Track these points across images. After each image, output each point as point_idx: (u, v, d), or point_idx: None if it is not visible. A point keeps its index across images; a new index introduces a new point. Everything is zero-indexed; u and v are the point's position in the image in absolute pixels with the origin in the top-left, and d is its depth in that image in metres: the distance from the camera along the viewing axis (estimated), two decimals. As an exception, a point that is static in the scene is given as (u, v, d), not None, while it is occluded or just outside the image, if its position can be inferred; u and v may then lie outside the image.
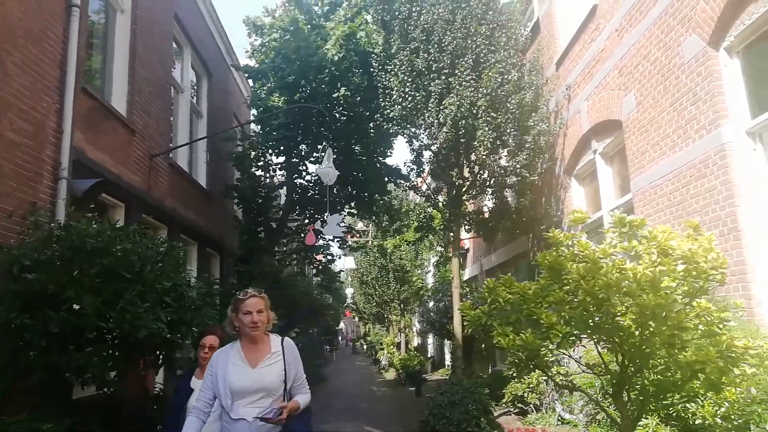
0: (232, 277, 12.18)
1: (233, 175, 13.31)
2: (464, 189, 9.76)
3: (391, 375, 21.19)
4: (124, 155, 7.58)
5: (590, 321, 2.98)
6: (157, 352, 4.96)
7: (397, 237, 19.43)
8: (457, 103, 8.30)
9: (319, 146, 12.02)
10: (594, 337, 3.10)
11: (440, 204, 10.43)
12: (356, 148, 11.44)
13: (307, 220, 13.53)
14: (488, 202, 11.91)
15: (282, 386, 3.05)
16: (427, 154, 9.92)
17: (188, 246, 10.72)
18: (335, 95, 10.19)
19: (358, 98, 10.41)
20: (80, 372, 4.32)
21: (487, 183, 9.82)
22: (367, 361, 33.34)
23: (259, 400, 2.97)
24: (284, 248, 13.28)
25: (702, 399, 2.92)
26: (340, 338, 54.11)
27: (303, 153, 12.52)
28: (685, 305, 2.85)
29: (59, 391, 4.84)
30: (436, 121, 8.65)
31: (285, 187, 12.62)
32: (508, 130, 8.45)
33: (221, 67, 13.10)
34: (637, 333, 2.86)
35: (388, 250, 21.74)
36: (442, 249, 19.76)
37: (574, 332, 2.98)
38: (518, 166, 8.46)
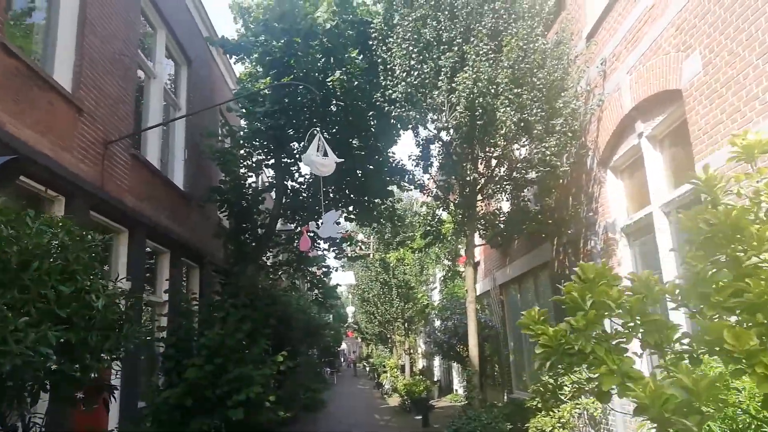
0: (215, 291, 10.68)
1: (217, 178, 11.89)
2: (480, 186, 8.29)
3: (395, 401, 19.50)
4: (64, 137, 6.16)
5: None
6: (42, 389, 3.40)
7: (401, 249, 17.91)
8: (474, 77, 6.88)
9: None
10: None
11: (451, 205, 8.95)
12: (354, 142, 9.99)
13: (297, 228, 12.06)
14: (503, 204, 10.42)
15: None
16: (435, 146, 8.49)
17: (159, 255, 9.28)
18: (329, 80, 8.78)
19: (356, 83, 8.99)
20: None
21: (506, 178, 8.36)
22: (370, 384, 31.55)
23: None
24: (273, 258, 11.84)
25: None
26: (341, 360, 52.24)
27: (294, 151, 11.10)
28: None
29: None
30: (447, 102, 7.22)
31: (274, 190, 11.16)
32: (534, 110, 7.01)
33: (203, 55, 11.77)
34: None
35: (391, 264, 20.18)
36: (450, 263, 18.23)
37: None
38: (548, 152, 6.99)
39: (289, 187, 11.33)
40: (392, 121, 8.84)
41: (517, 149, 7.34)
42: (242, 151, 11.13)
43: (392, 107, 7.64)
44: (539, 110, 7.08)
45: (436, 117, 7.47)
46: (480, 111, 7.06)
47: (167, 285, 9.04)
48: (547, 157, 7.00)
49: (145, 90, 9.29)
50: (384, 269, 20.54)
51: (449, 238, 11.86)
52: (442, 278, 18.42)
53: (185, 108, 10.83)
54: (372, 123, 9.51)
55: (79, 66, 6.59)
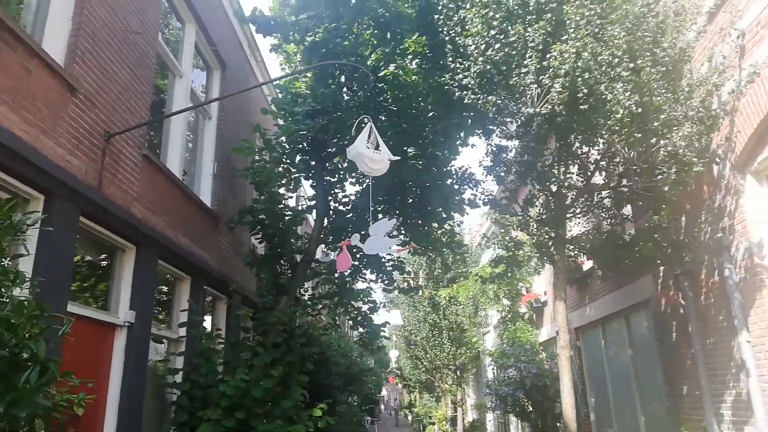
0: (242, 327, 9.09)
1: (251, 197, 10.48)
2: (575, 195, 6.51)
3: (444, 459, 17.22)
4: (46, 117, 4.78)
5: None
6: None
7: (455, 286, 16.00)
8: (576, 47, 5.21)
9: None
10: None
11: (532, 222, 7.16)
12: (409, 150, 8.39)
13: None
14: (586, 222, 8.47)
15: None
16: (514, 145, 6.79)
17: (177, 282, 7.79)
18: (382, 74, 7.28)
19: (413, 79, 7.44)
20: None
21: (608, 186, 6.54)
22: (414, 436, 29.07)
23: None
24: (312, 291, 10.25)
25: None
26: (382, 407, 49.63)
27: (338, 165, 9.59)
28: None
29: None
30: (537, 83, 5.55)
31: (314, 211, 9.62)
32: (659, 90, 5.26)
33: (239, 59, 10.56)
34: None
35: (442, 304, 18.22)
36: (509, 303, 16.19)
37: None
38: (681, 144, 5.18)
39: (332, 208, 9.78)
40: (455, 120, 7.22)
41: (632, 142, 5.55)
42: (280, 168, 9.68)
43: (464, 93, 6.00)
44: (663, 90, 5.33)
45: (518, 105, 5.78)
46: (583, 93, 5.35)
47: (185, 317, 7.50)
48: (680, 151, 5.18)
49: (169, 89, 8.02)
50: (433, 309, 18.58)
51: (530, 267, 9.92)
52: (501, 320, 16.33)
53: (216, 117, 9.54)
54: (432, 126, 7.90)
55: (75, 36, 5.27)
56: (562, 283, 6.84)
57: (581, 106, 5.38)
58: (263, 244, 9.65)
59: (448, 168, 8.95)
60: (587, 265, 10.97)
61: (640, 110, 5.31)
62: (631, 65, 5.30)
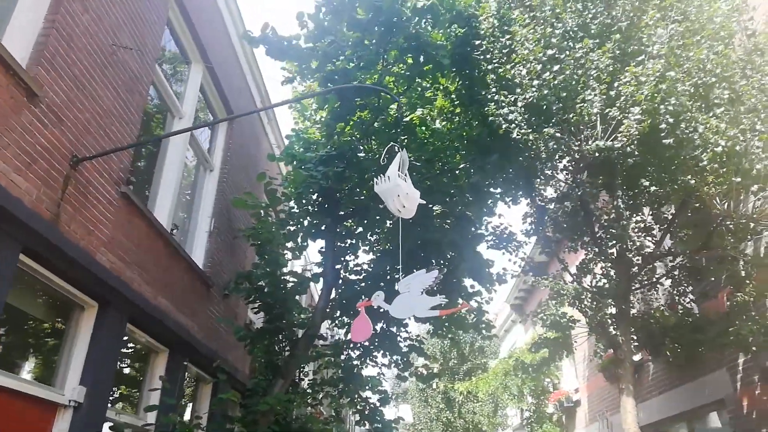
0: (225, 416, 7.55)
1: (250, 261, 9.29)
2: (642, 262, 5.25)
3: None
4: (-12, 121, 3.74)
5: None
6: None
7: (473, 379, 14.25)
8: (659, 66, 4.20)
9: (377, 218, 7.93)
10: None
11: (586, 295, 5.85)
12: (435, 207, 7.23)
13: (347, 335, 9.03)
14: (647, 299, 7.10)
15: None
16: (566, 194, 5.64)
17: (151, 354, 6.46)
18: (406, 119, 6.32)
19: (444, 124, 6.46)
20: None
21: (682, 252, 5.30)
22: None
23: None
24: (314, 375, 8.77)
25: None
26: None
27: (353, 228, 8.46)
28: None
29: None
30: (601, 115, 4.51)
31: (321, 280, 8.36)
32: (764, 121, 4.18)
33: (248, 107, 9.76)
34: None
35: (457, 400, 16.31)
36: (534, 401, 14.34)
37: None
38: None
39: (342, 276, 8.54)
40: (489, 168, 6.12)
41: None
42: (286, 229, 8.55)
43: (511, 127, 4.95)
44: (769, 124, 4.25)
45: (579, 141, 4.69)
46: (667, 124, 4.27)
47: (155, 399, 6.07)
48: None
49: (166, 129, 7.10)
50: (448, 405, 16.63)
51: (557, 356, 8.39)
52: (525, 421, 14.39)
53: (219, 169, 8.57)
54: (463, 180, 6.82)
55: (45, 36, 4.35)
56: (630, 373, 5.42)
57: (664, 140, 4.26)
58: (260, 316, 8.33)
59: (481, 229, 7.75)
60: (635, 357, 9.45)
61: (739, 148, 4.19)
62: (727, 93, 4.24)
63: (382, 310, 4.12)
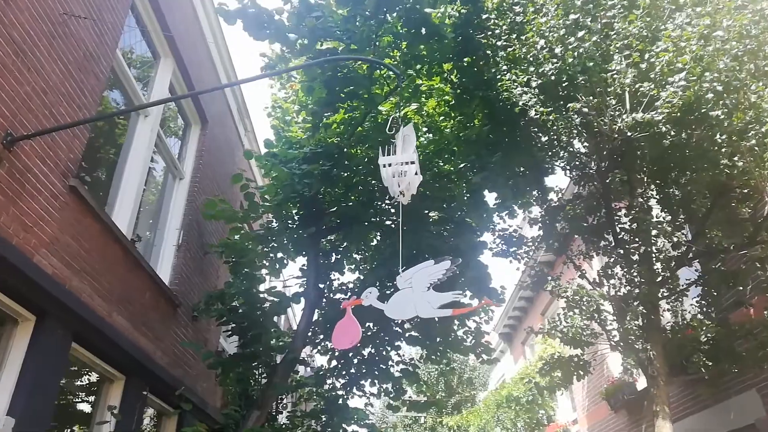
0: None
1: (222, 280, 8.43)
2: (674, 265, 4.60)
3: None
4: None
5: None
6: None
7: (464, 412, 13.31)
8: (702, 28, 3.64)
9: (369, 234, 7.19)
10: None
11: (603, 305, 5.16)
12: (432, 214, 6.51)
13: (331, 363, 8.16)
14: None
15: None
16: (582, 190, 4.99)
17: (105, 383, 5.56)
18: (402, 110, 5.68)
19: (440, 120, 5.83)
20: None
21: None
22: None
23: None
24: (293, 407, 7.83)
25: None
26: None
27: (338, 244, 7.70)
28: None
29: None
30: (627, 95, 3.91)
31: (303, 299, 7.53)
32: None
33: (224, 118, 9.05)
34: None
35: (446, 436, 15.30)
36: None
37: None
38: None
39: (325, 295, 7.72)
40: (493, 168, 5.47)
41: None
42: (262, 248, 7.74)
43: (529, 100, 4.31)
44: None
45: (607, 117, 4.07)
46: (715, 93, 3.67)
47: (105, 435, 5.13)
48: None
49: (129, 127, 6.33)
50: (435, 441, 15.60)
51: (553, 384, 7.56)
52: (519, 457, 13.43)
53: (189, 178, 7.79)
54: (460, 186, 6.16)
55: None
56: (665, 393, 4.69)
57: (711, 112, 3.66)
58: (234, 342, 7.46)
59: (482, 237, 7.04)
60: (642, 382, 8.73)
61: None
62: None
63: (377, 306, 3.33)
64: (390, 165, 3.51)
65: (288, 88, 7.51)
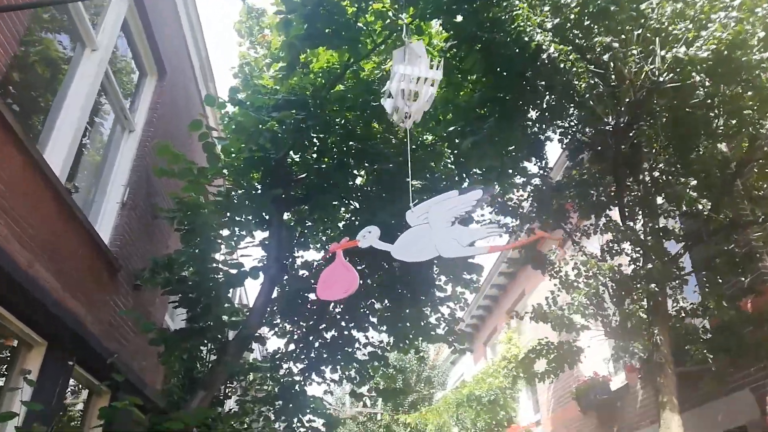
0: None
1: (171, 246, 7.62)
2: (688, 242, 4.12)
3: None
4: None
5: None
6: None
7: (423, 410, 12.74)
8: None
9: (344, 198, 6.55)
10: None
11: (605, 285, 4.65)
12: (415, 182, 5.88)
13: (290, 346, 7.47)
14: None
15: None
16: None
17: (22, 348, 4.72)
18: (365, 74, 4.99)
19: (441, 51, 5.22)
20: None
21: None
22: None
23: None
24: (243, 393, 7.06)
25: None
26: None
27: (304, 217, 7.02)
28: None
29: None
30: (657, 42, 3.40)
31: (261, 274, 6.79)
32: None
33: (185, 72, 8.24)
34: None
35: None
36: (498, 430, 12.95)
37: None
38: None
39: (288, 270, 7.00)
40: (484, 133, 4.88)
41: None
42: (219, 217, 6.96)
43: (546, 43, 3.74)
44: None
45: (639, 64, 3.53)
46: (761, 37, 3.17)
47: (23, 412, 4.29)
48: None
49: (73, 59, 5.48)
50: (389, 441, 14.98)
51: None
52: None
53: (141, 130, 6.97)
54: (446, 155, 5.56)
55: None
56: (672, 382, 4.20)
57: (755, 56, 3.16)
58: (181, 315, 6.67)
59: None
60: (617, 381, 8.34)
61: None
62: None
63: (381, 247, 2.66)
64: (403, 79, 2.84)
65: (259, 39, 6.78)
